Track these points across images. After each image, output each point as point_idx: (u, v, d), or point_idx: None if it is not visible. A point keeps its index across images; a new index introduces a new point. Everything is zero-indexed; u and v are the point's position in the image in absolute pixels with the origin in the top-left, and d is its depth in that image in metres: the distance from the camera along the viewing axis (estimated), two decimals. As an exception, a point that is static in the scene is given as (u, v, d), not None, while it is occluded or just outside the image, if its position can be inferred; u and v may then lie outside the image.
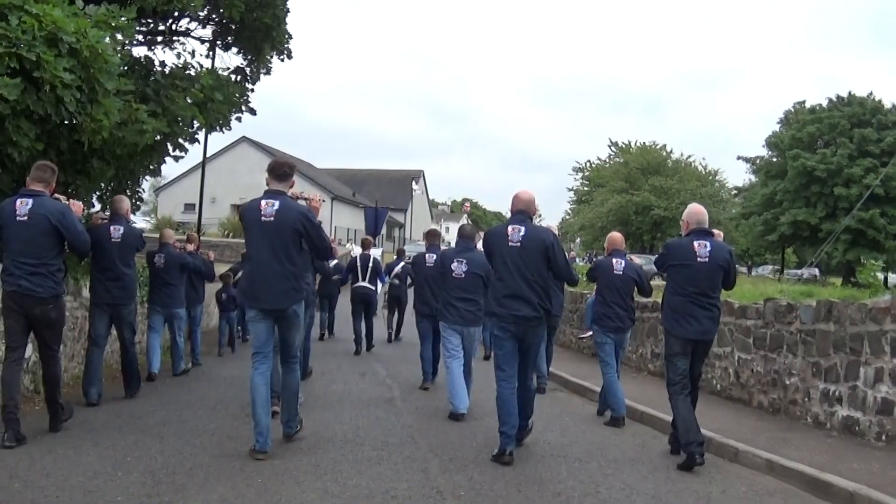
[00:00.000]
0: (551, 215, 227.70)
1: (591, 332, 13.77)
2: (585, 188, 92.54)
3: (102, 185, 14.26)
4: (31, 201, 8.71)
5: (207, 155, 73.87)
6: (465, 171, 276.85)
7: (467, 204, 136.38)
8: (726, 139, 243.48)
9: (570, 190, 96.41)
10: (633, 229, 76.32)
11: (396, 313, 22.29)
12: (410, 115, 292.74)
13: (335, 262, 20.27)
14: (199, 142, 15.51)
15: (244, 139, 79.28)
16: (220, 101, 14.59)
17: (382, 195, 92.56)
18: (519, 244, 9.11)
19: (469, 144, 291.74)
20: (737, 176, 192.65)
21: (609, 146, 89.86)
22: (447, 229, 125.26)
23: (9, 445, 8.36)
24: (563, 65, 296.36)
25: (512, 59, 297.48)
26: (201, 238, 54.39)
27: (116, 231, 11.25)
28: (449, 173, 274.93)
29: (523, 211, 9.45)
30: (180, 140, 14.42)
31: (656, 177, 77.24)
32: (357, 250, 21.39)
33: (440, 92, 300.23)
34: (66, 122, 10.79)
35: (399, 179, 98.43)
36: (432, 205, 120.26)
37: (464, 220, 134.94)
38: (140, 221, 67.93)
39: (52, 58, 9.77)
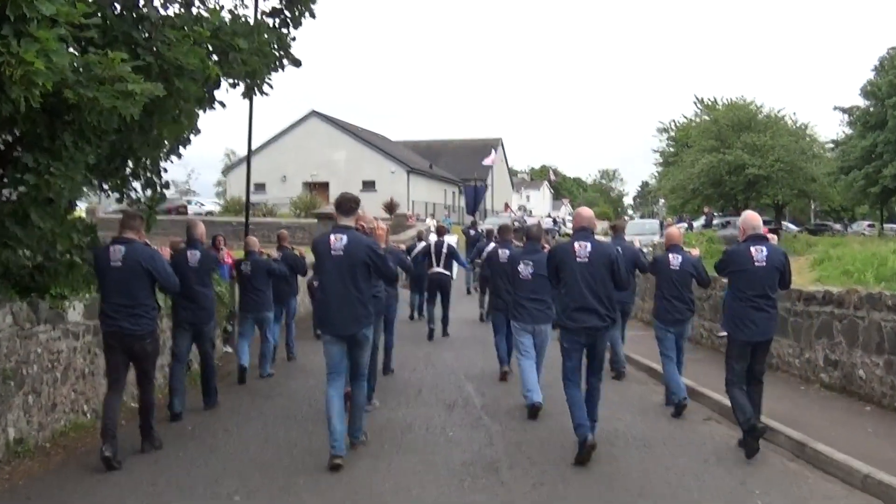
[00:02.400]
0: (632, 179, 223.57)
1: None
2: (671, 149, 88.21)
3: (86, 170, 10.69)
4: (123, 248, 9.37)
5: (276, 133, 72.34)
6: (542, 138, 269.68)
7: (551, 172, 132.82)
8: (815, 90, 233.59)
9: (655, 152, 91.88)
10: (727, 189, 71.77)
11: (487, 293, 21.08)
12: (484, 83, 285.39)
13: (422, 244, 21.58)
14: (216, 106, 12.61)
15: (314, 113, 77.21)
16: (245, 49, 10.99)
17: (460, 166, 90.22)
18: (587, 259, 9.72)
19: (544, 110, 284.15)
20: (829, 128, 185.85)
21: (695, 103, 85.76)
22: (528, 198, 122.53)
23: (107, 455, 9.03)
24: (636, 20, 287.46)
25: (581, 18, 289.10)
26: (271, 217, 53.11)
27: (193, 256, 11.94)
28: (526, 140, 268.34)
29: (586, 227, 10.09)
30: (182, 101, 10.80)
31: (748, 133, 72.57)
32: (433, 237, 21.98)
33: (512, 58, 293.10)
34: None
35: (477, 149, 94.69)
36: (512, 173, 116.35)
37: (545, 188, 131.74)
38: (209, 204, 66.38)
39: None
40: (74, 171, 9.68)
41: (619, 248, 13.73)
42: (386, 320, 13.53)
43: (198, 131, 13.37)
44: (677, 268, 12.26)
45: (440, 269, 20.38)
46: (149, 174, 13.23)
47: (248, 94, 13.53)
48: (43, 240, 10.31)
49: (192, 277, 11.64)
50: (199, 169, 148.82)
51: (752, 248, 9.78)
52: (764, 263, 9.70)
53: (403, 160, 77.46)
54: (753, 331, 9.76)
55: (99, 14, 8.66)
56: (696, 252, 13.16)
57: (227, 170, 79.95)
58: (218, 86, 12.12)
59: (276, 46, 12.89)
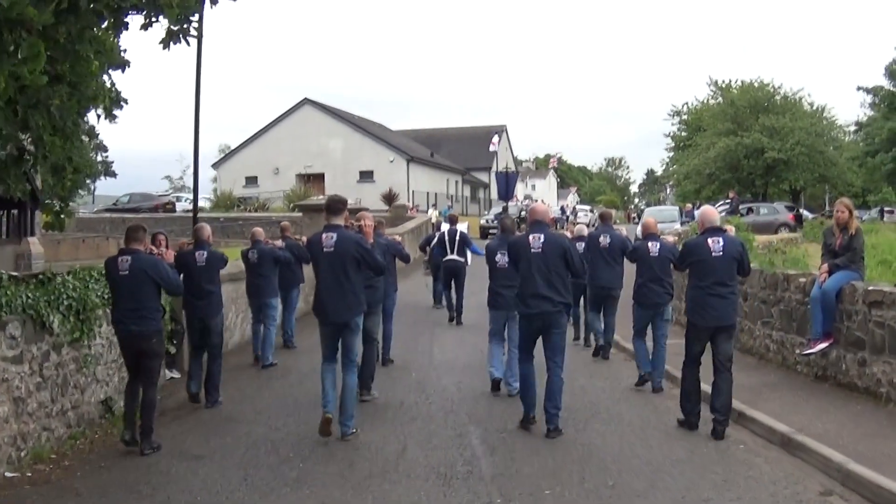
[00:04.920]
0: (638, 167, 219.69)
1: (826, 344, 12.21)
2: (683, 133, 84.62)
3: None
4: (129, 258, 10.26)
5: (267, 123, 70.19)
6: (547, 126, 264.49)
7: (553, 159, 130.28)
8: (832, 69, 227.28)
9: (666, 136, 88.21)
10: (745, 174, 68.94)
11: None
12: (486, 71, 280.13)
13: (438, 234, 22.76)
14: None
15: (306, 101, 74.73)
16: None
17: (463, 154, 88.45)
18: (540, 250, 10.53)
19: (548, 98, 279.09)
20: (847, 110, 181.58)
21: (708, 85, 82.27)
22: (533, 187, 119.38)
23: (126, 439, 10.22)
24: (640, 3, 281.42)
25: (584, 2, 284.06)
26: (263, 212, 50.25)
27: (201, 256, 12.85)
28: (530, 129, 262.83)
29: (540, 221, 11.03)
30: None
31: (766, 115, 69.14)
32: (445, 226, 22.89)
33: (514, 44, 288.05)
34: None
35: (480, 136, 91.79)
36: (516, 163, 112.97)
37: (551, 177, 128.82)
38: (202, 200, 63.30)
39: None
40: None
41: (609, 236, 15.60)
42: (384, 310, 14.14)
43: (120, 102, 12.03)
44: (657, 254, 13.19)
45: (454, 257, 21.27)
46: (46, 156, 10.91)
47: (169, 39, 10.09)
48: None
49: (200, 276, 12.72)
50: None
51: (710, 240, 10.45)
52: (721, 254, 10.34)
53: (403, 149, 74.48)
54: (713, 315, 10.36)
55: None
56: (671, 239, 14.49)
57: (217, 164, 76.51)
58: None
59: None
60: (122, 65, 10.94)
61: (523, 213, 50.71)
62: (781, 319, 13.85)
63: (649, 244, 13.34)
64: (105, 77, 11.57)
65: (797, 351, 13.14)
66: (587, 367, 14.93)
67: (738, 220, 38.84)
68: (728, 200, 50.63)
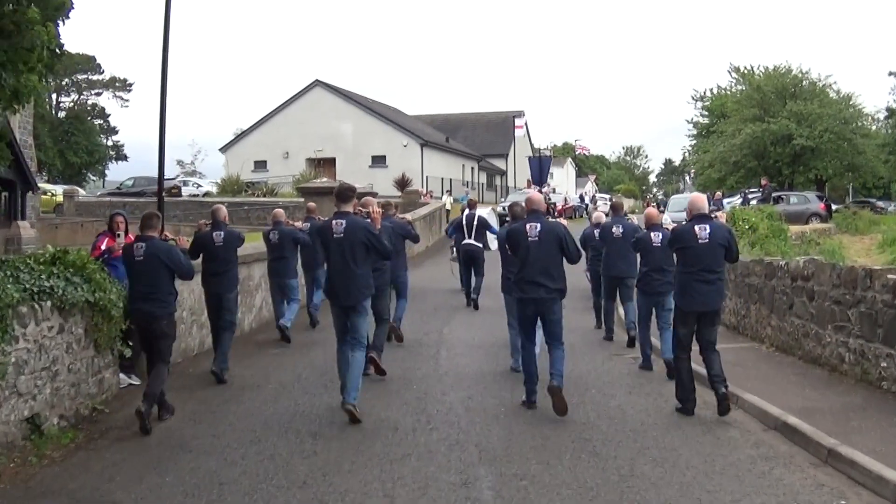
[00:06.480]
0: (656, 156, 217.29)
1: None
2: (706, 120, 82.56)
3: None
4: (144, 244, 11.01)
5: (277, 105, 68.37)
6: (564, 114, 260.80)
7: (584, 148, 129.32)
8: (854, 54, 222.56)
9: (688, 122, 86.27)
10: (771, 162, 66.42)
11: None
12: (504, 59, 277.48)
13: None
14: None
15: (318, 83, 72.57)
16: None
17: (480, 140, 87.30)
18: (537, 238, 11.00)
19: (565, 86, 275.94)
20: (874, 97, 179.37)
21: (729, 72, 79.64)
22: (551, 175, 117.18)
23: (144, 415, 10.18)
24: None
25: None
26: (271, 197, 48.65)
27: (218, 236, 13.60)
28: (548, 117, 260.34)
29: (536, 210, 11.41)
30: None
31: (794, 101, 66.75)
32: (465, 210, 23.38)
33: (533, 33, 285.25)
34: None
35: (497, 122, 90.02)
36: (534, 150, 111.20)
37: (569, 165, 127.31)
38: (206, 185, 63.45)
39: None
40: None
41: (621, 226, 16.03)
42: (397, 290, 15.33)
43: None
44: (659, 244, 13.34)
45: (471, 241, 21.38)
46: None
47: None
48: None
49: (217, 254, 13.46)
50: (207, 150, 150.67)
51: (697, 227, 10.69)
52: (707, 240, 10.60)
53: (417, 133, 72.26)
54: (698, 300, 10.66)
55: None
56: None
57: (225, 147, 74.52)
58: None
59: None
60: (60, 7, 10.70)
61: (549, 197, 49.63)
62: (862, 324, 11.41)
63: (651, 234, 13.72)
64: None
65: (883, 364, 10.76)
66: (622, 379, 13.17)
67: (771, 208, 36.83)
68: (759, 189, 48.38)
